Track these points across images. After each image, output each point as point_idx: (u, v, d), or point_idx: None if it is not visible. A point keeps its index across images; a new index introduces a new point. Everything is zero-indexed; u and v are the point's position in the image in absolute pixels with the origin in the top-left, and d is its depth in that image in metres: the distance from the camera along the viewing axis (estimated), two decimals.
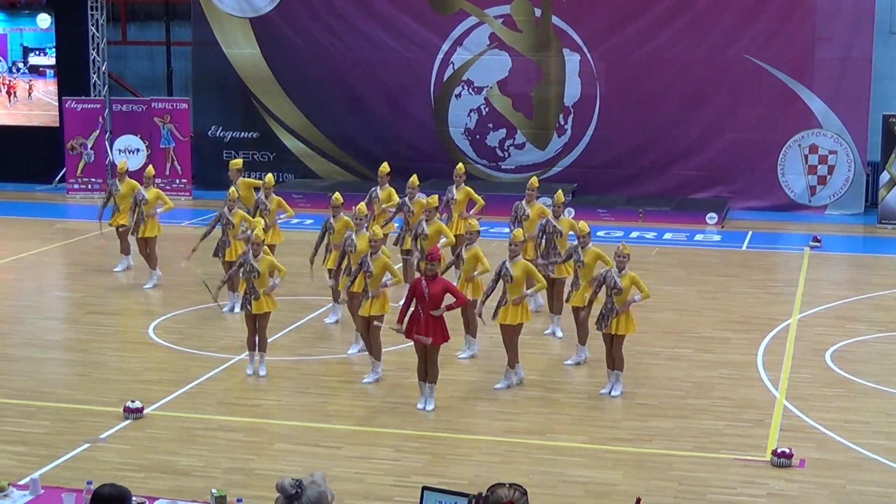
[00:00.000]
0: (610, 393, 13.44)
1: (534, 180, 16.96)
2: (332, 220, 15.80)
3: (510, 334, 13.66)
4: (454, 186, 17.81)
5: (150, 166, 19.88)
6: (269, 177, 17.78)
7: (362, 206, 15.28)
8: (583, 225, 14.50)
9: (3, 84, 28.44)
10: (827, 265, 20.87)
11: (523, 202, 16.56)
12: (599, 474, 11.22)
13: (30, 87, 28.40)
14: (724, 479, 11.10)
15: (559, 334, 15.82)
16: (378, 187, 18.01)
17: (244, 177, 18.87)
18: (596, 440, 12.11)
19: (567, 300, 14.69)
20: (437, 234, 16.01)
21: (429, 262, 12.88)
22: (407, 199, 17.44)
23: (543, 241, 15.69)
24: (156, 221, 18.43)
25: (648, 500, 9.98)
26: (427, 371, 12.97)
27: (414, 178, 17.78)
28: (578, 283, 14.29)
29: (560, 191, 16.39)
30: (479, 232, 14.73)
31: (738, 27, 25.27)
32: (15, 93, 28.42)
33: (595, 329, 13.75)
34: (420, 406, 12.90)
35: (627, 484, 10.95)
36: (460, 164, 18.38)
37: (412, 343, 13.14)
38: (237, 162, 18.94)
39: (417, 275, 14.29)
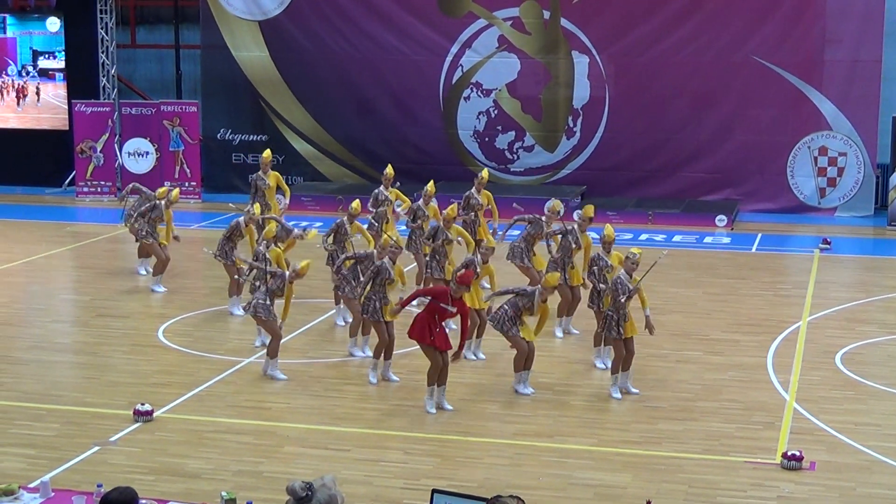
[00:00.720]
0: (629, 391, 13.45)
1: (557, 203, 16.84)
2: (348, 226, 15.96)
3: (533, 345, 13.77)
4: (475, 191, 17.86)
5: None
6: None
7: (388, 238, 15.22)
8: (609, 231, 14.53)
9: (13, 87, 28.51)
10: (837, 267, 20.82)
11: (543, 218, 16.54)
12: (609, 477, 11.21)
13: (39, 91, 28.46)
14: (734, 482, 11.08)
15: (573, 331, 15.91)
16: (383, 188, 18.04)
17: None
18: (605, 443, 12.10)
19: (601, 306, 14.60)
20: (458, 236, 16.44)
21: (460, 285, 12.90)
22: (421, 203, 17.50)
23: (561, 247, 15.79)
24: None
25: (658, 503, 9.96)
26: (441, 375, 12.97)
27: (431, 186, 17.83)
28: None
29: (589, 205, 16.36)
30: (493, 248, 14.90)
31: (747, 29, 25.23)
32: (24, 96, 28.49)
33: (608, 336, 13.72)
34: (432, 410, 12.88)
35: (637, 487, 10.93)
36: (485, 171, 18.60)
37: (419, 347, 13.16)
38: (269, 153, 19.97)
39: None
